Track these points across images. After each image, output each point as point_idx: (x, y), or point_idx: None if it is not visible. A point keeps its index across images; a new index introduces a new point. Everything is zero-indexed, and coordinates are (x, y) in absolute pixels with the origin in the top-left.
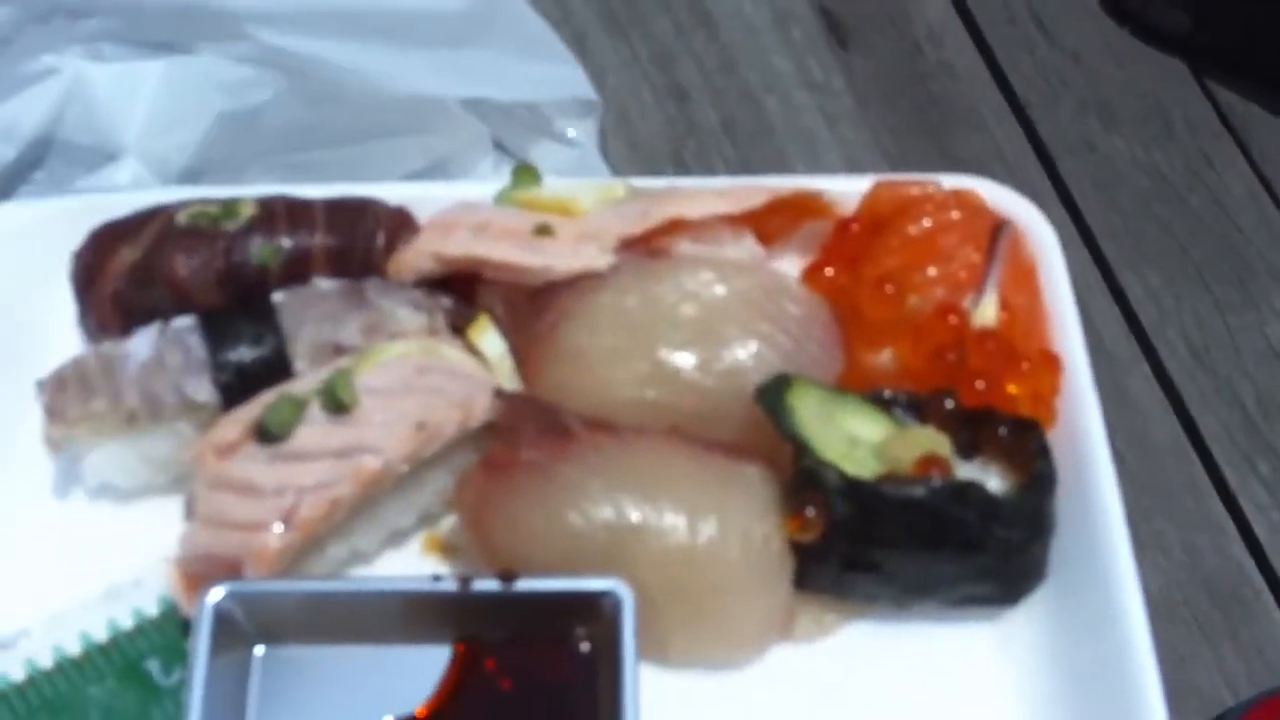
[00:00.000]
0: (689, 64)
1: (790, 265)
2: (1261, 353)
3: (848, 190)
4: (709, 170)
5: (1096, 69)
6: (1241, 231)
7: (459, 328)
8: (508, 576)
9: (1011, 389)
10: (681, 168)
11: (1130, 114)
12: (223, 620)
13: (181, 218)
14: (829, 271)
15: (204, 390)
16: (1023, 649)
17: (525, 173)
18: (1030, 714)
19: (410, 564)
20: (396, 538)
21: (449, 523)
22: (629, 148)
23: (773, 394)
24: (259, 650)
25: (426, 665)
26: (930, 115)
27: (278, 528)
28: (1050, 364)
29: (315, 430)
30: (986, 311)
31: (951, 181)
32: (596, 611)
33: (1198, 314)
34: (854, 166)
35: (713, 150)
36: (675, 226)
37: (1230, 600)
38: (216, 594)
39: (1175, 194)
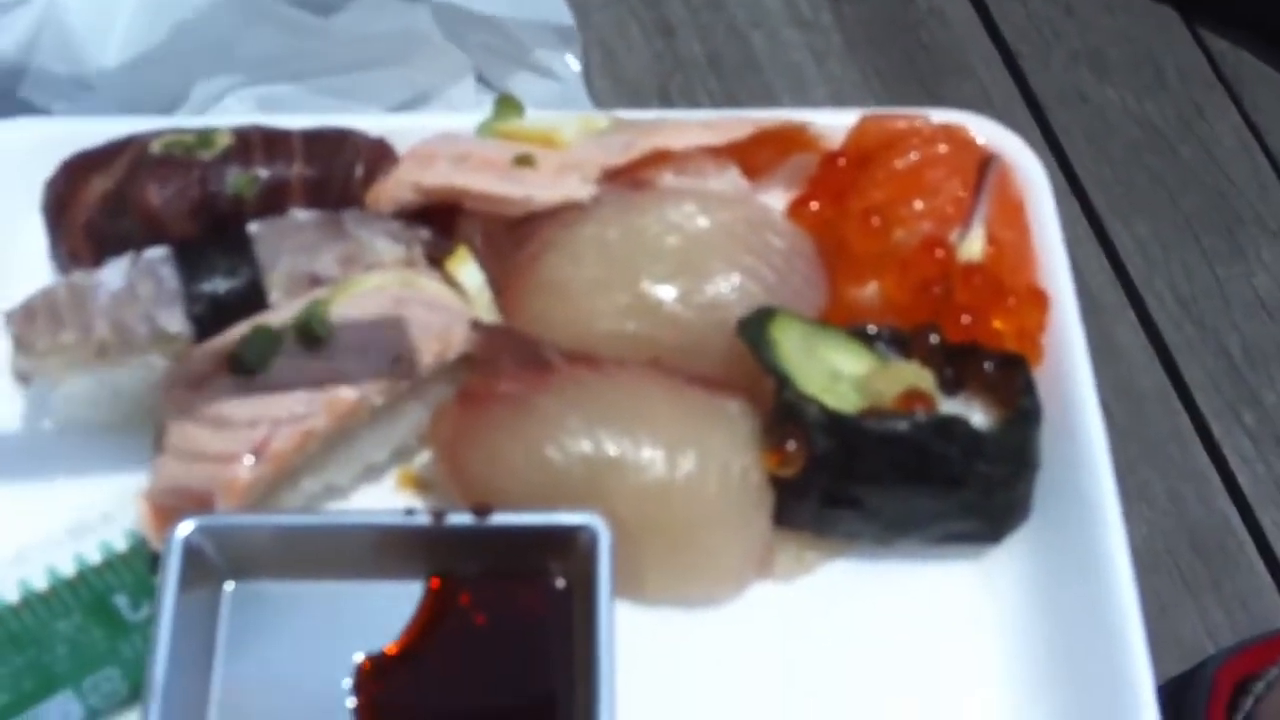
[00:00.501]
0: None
1: (776, 199)
2: (1249, 303)
3: (834, 124)
4: (695, 106)
5: (1088, 18)
6: (1232, 182)
7: (437, 260)
8: (482, 510)
9: (997, 325)
10: (667, 103)
11: (1122, 64)
12: (192, 555)
13: (155, 147)
14: (814, 205)
15: (176, 321)
16: (1006, 587)
17: (507, 104)
18: (1012, 652)
19: (385, 499)
20: (371, 472)
21: (425, 457)
22: (614, 83)
23: (754, 327)
24: (229, 585)
25: (400, 600)
26: (920, 62)
27: (249, 460)
28: (1037, 300)
29: (289, 362)
30: (973, 246)
31: (940, 116)
32: (572, 546)
33: (1186, 264)
34: (841, 103)
35: (699, 85)
36: (659, 158)
37: (1214, 550)
38: (186, 528)
39: (1166, 144)
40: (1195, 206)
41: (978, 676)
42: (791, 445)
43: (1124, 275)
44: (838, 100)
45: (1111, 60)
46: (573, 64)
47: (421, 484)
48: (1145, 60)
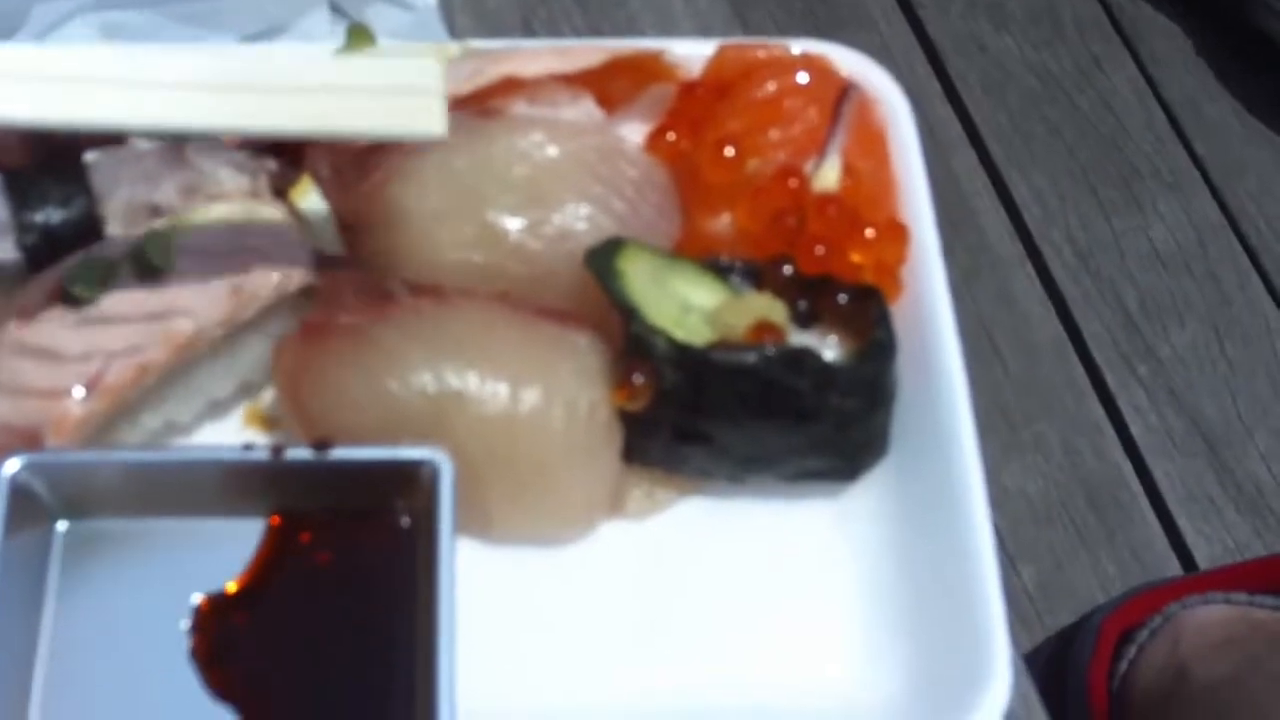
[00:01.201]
0: None
1: (634, 130)
2: (1145, 255)
3: (694, 54)
4: (557, 38)
5: None
6: (1128, 134)
7: (283, 191)
8: (322, 445)
9: (856, 257)
10: (530, 35)
11: (1021, 14)
12: (20, 494)
13: None
14: (671, 136)
15: (6, 252)
16: (862, 524)
17: (358, 34)
18: (868, 589)
19: (231, 436)
20: (216, 409)
21: (271, 394)
22: (476, 17)
23: (602, 258)
24: (61, 525)
25: (240, 538)
26: (819, 12)
27: (80, 394)
28: (896, 233)
29: (125, 294)
30: (828, 175)
31: (803, 45)
32: (415, 482)
33: (1083, 216)
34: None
35: (562, 18)
36: (510, 86)
37: (1107, 503)
38: (12, 466)
39: (1064, 95)
40: (1092, 158)
41: (833, 614)
42: (638, 379)
43: (1021, 227)
44: (705, 32)
45: (1010, 10)
46: None
47: (268, 421)
48: (1043, 10)
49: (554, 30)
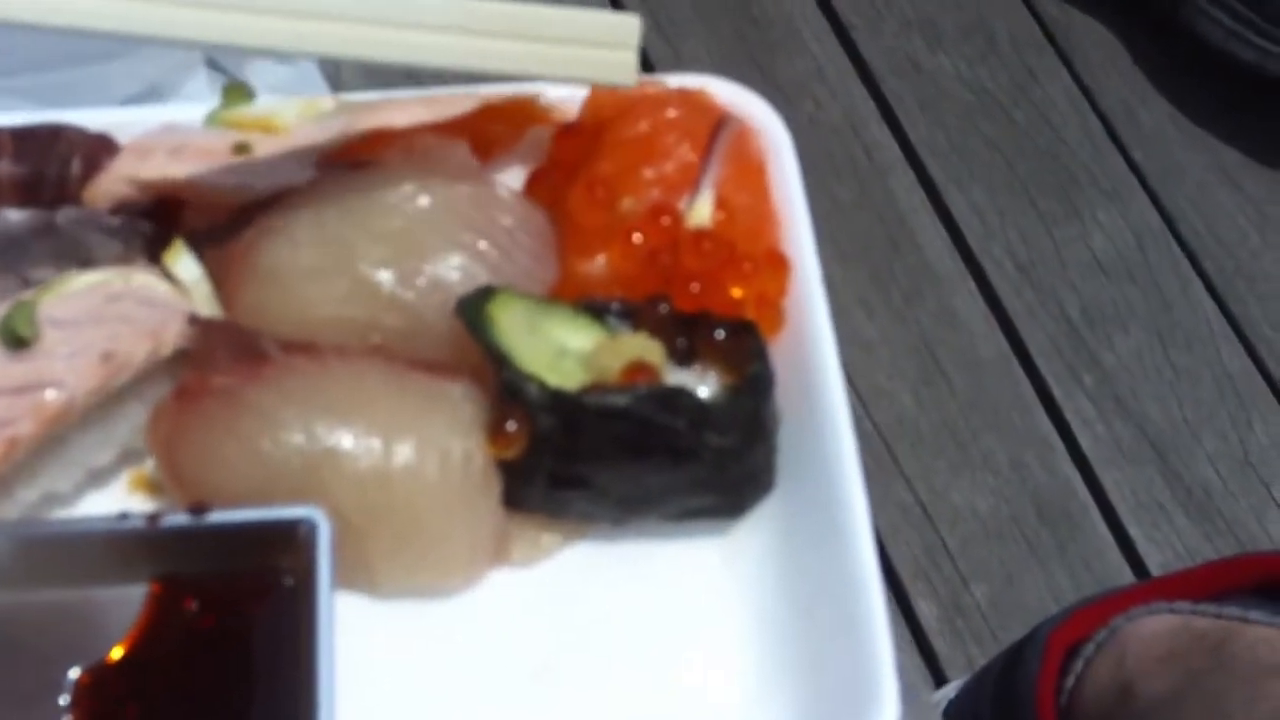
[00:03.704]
0: None
1: (515, 175)
2: (1086, 264)
3: (571, 95)
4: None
5: None
6: (1066, 144)
7: (157, 255)
8: (199, 509)
9: (736, 292)
10: (416, 83)
11: (953, 31)
12: None
13: None
14: (549, 179)
15: None
16: (750, 562)
17: (235, 91)
18: (756, 627)
19: (115, 504)
20: (97, 477)
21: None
22: (362, 68)
23: (473, 307)
24: None
25: (121, 608)
26: (751, 38)
27: None
28: (776, 265)
29: None
30: (701, 211)
31: (679, 81)
32: (294, 541)
33: (1023, 229)
34: None
35: None
36: (383, 139)
37: (1058, 515)
38: None
39: (1000, 109)
40: (1030, 170)
41: (725, 651)
42: (511, 425)
43: (962, 244)
44: None
45: (943, 27)
46: None
47: (153, 486)
48: (976, 26)
49: (438, 76)
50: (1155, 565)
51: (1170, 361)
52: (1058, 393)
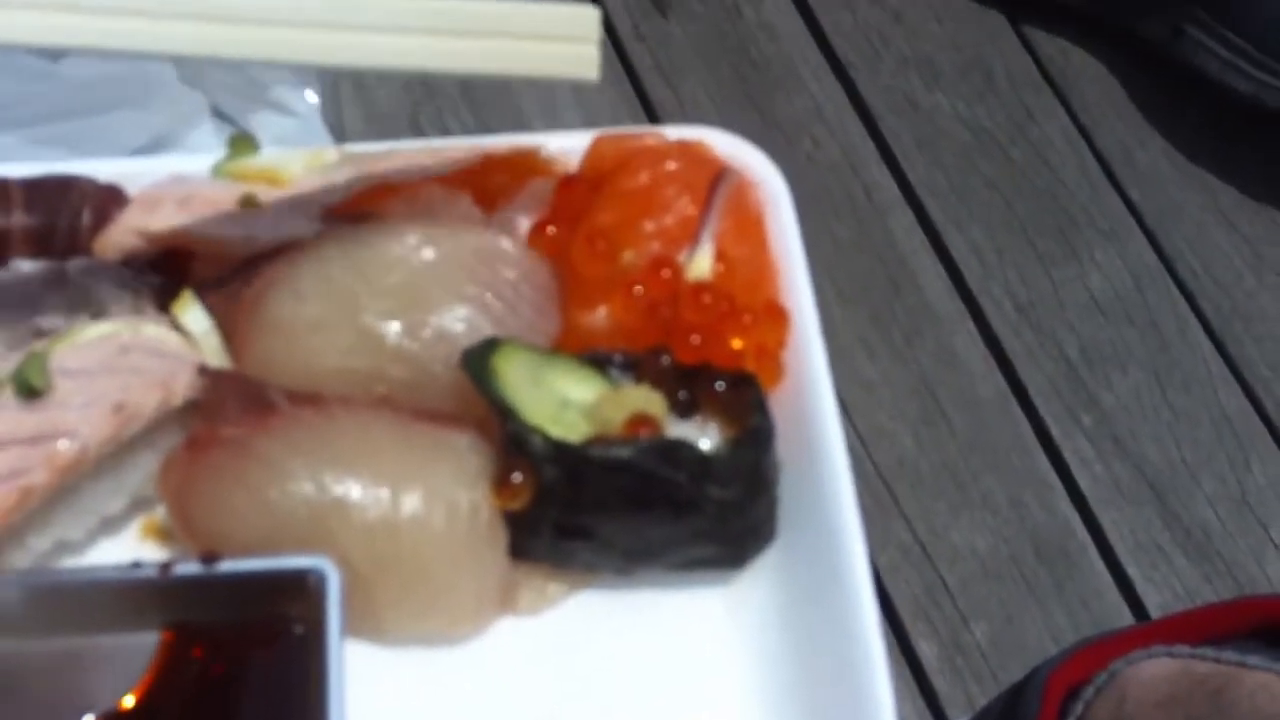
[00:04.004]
0: None
1: (518, 227)
2: (1084, 305)
3: (574, 147)
4: (446, 135)
5: (917, 25)
6: (1063, 183)
7: (166, 305)
8: (210, 558)
9: (736, 344)
10: (418, 133)
11: (951, 70)
12: None
13: None
14: (551, 230)
15: None
16: (752, 611)
17: (241, 143)
18: (761, 676)
19: (127, 552)
20: (109, 525)
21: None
22: (365, 117)
23: (478, 359)
24: None
25: (132, 655)
26: (750, 78)
27: None
28: (776, 317)
29: (6, 417)
30: (701, 264)
31: (678, 133)
32: (304, 591)
33: (1021, 269)
34: (595, 125)
35: (449, 114)
36: (387, 191)
37: (1056, 555)
38: None
39: (998, 148)
40: (1029, 210)
41: (726, 702)
42: (517, 477)
43: (961, 284)
44: (592, 121)
45: (940, 66)
46: (310, 98)
47: (165, 534)
48: (974, 65)
49: (441, 127)
50: (1154, 605)
51: (1168, 402)
52: (1056, 433)
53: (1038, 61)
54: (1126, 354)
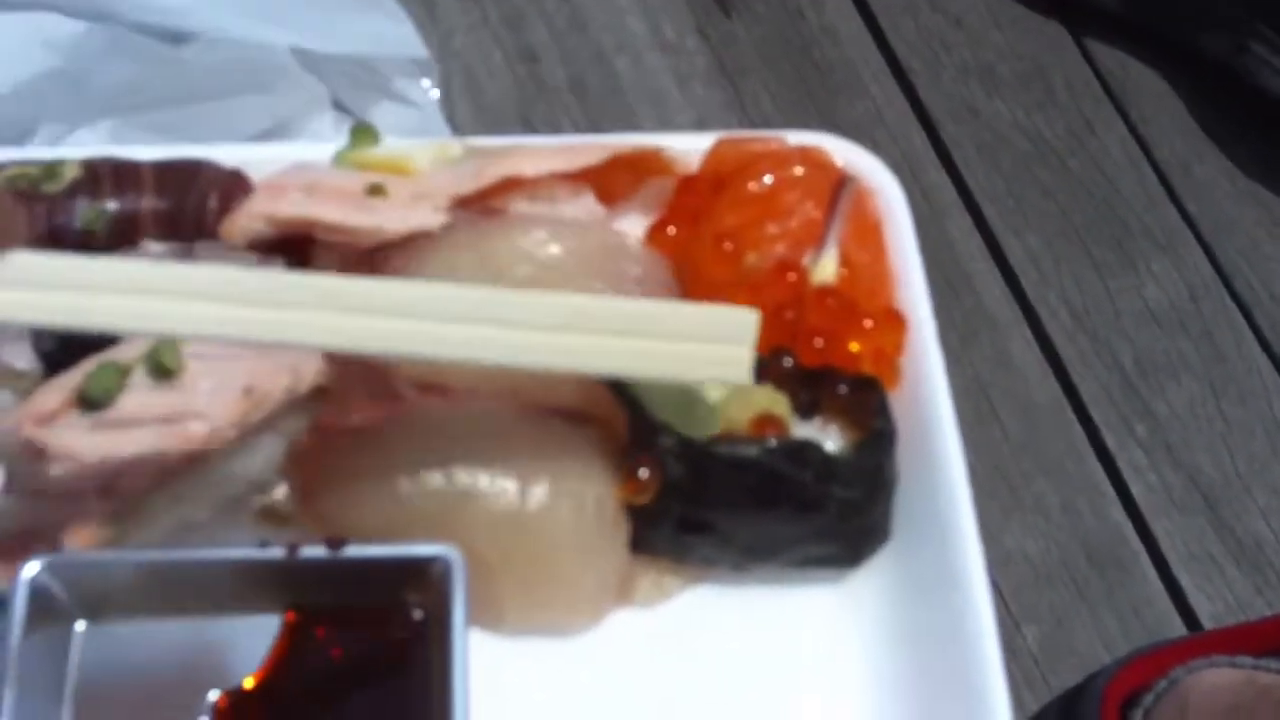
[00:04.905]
0: (539, 25)
1: (634, 225)
2: (1139, 314)
3: (692, 148)
4: (557, 132)
5: (978, 33)
6: (1120, 194)
7: None
8: (336, 543)
9: (854, 347)
10: (529, 130)
11: (1011, 78)
12: (40, 595)
13: None
14: (671, 230)
15: (24, 357)
16: (866, 610)
17: (363, 132)
18: (873, 675)
19: (245, 533)
20: (229, 506)
21: (284, 491)
22: (476, 111)
23: None
24: (80, 626)
25: (256, 635)
26: (811, 80)
27: (97, 496)
28: (893, 322)
29: (139, 397)
30: (826, 268)
31: (798, 138)
32: (427, 578)
33: (1077, 277)
34: (705, 127)
35: (560, 112)
36: (511, 185)
37: (1108, 561)
38: (33, 568)
39: (1056, 158)
40: (1085, 219)
41: (837, 698)
42: (644, 473)
43: (1017, 289)
44: (701, 123)
45: (1001, 74)
46: (431, 91)
47: (282, 517)
48: (1034, 74)
49: (553, 124)
50: (1205, 615)
51: (1222, 413)
52: (1110, 440)
53: (1098, 73)
54: (1181, 364)
